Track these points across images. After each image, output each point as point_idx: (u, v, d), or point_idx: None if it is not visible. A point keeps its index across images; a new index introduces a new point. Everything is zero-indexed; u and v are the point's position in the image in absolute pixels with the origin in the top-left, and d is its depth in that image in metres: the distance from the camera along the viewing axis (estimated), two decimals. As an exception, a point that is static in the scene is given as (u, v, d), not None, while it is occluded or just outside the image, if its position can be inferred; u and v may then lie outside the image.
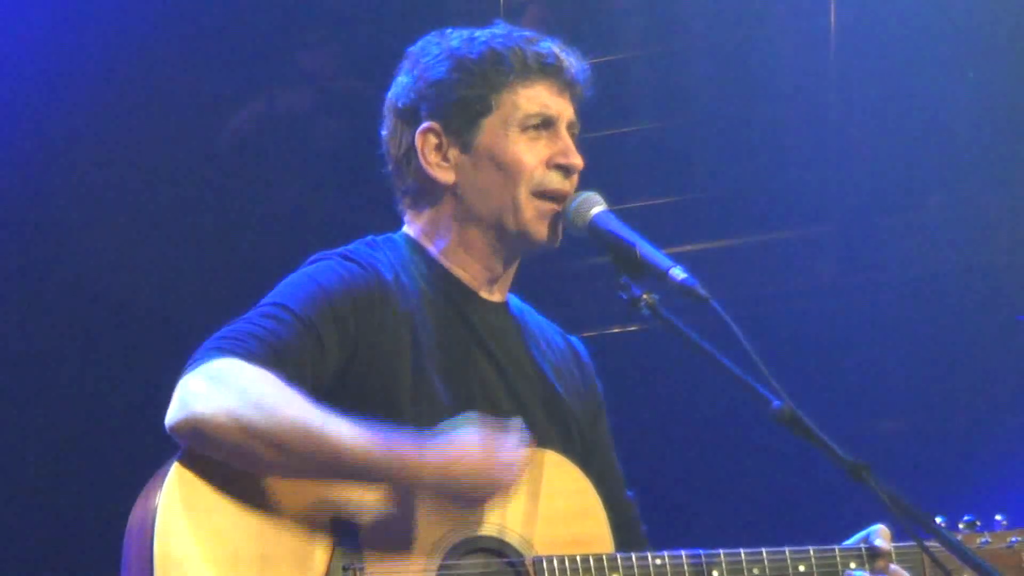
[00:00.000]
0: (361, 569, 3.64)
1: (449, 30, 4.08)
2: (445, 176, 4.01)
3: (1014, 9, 6.33)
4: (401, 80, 4.08)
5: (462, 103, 3.99)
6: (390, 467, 3.62)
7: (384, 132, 4.11)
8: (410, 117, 4.04)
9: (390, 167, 4.10)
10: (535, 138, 4.00)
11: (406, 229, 4.10)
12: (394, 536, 3.70)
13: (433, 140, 4.01)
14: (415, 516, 3.69)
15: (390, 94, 4.10)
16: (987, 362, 6.25)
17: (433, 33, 4.10)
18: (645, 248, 3.84)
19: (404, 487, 3.65)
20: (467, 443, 3.67)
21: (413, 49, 4.10)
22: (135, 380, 5.40)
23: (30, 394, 5.54)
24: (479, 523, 3.78)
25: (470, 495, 3.68)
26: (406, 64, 4.09)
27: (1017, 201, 6.36)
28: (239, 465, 3.62)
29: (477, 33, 4.04)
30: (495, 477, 3.67)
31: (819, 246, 6.31)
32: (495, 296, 4.09)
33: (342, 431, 3.61)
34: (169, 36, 5.66)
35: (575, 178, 4.01)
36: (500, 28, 4.06)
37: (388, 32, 5.67)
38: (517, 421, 3.76)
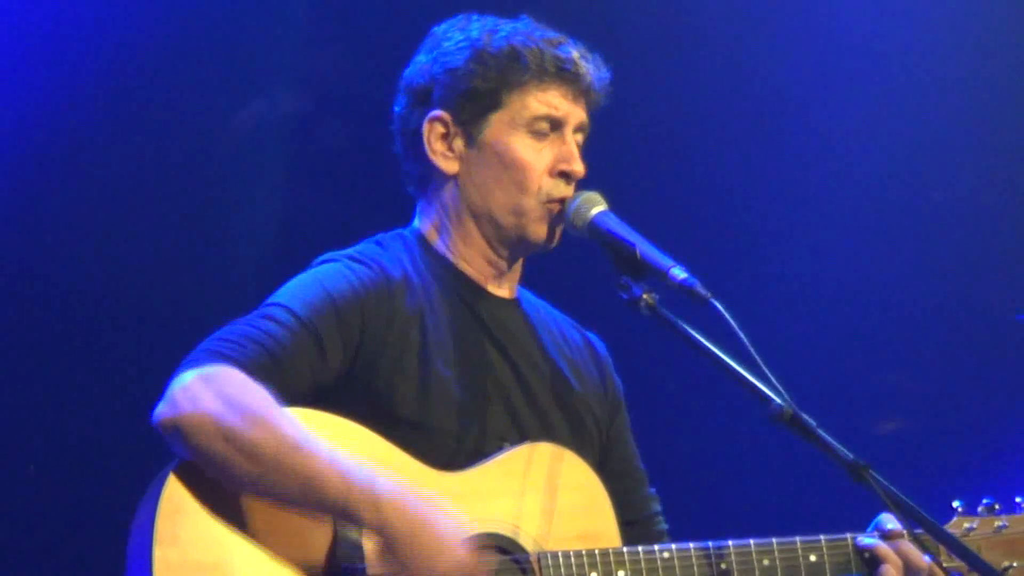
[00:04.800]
0: (362, 570, 3.64)
1: (475, 16, 4.06)
2: (449, 166, 4.01)
3: (1015, 7, 6.34)
4: (419, 59, 4.06)
5: (473, 95, 3.98)
6: (360, 493, 3.53)
7: (396, 108, 4.09)
8: (422, 98, 4.03)
9: (398, 145, 4.10)
10: (541, 139, 3.99)
11: (416, 223, 4.09)
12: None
13: (440, 129, 4.01)
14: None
15: (407, 72, 4.08)
16: (987, 362, 6.25)
17: (460, 17, 4.08)
18: (645, 248, 3.84)
19: (364, 523, 3.55)
20: (449, 524, 3.56)
21: (437, 30, 4.08)
22: (136, 381, 5.39)
23: (31, 395, 5.54)
24: (493, 519, 3.76)
25: (419, 568, 3.55)
26: (428, 43, 4.07)
27: (1017, 200, 6.36)
28: (212, 472, 3.58)
29: (501, 26, 4.03)
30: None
31: (819, 246, 6.31)
32: (503, 291, 4.08)
33: (322, 452, 3.55)
34: (168, 37, 5.66)
35: (575, 183, 4.02)
36: (524, 24, 4.05)
37: (390, 33, 5.67)
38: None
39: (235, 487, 3.60)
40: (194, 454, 3.58)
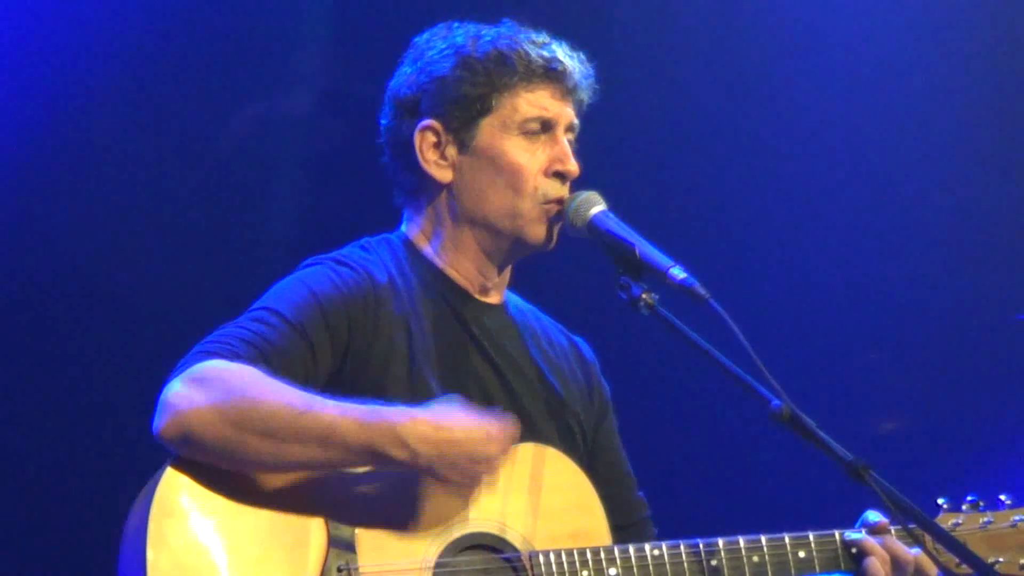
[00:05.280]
0: (356, 569, 3.64)
1: (456, 24, 4.07)
2: (442, 175, 4.01)
3: (1015, 7, 6.34)
4: (404, 70, 4.07)
5: (463, 102, 3.98)
6: (382, 435, 3.58)
7: (384, 121, 4.09)
8: (410, 109, 4.02)
9: (387, 157, 4.11)
10: (533, 141, 3.99)
11: (404, 228, 4.10)
12: (389, 534, 3.69)
13: (432, 138, 4.01)
14: (410, 512, 3.69)
15: (392, 83, 4.08)
16: (987, 362, 6.25)
17: (440, 26, 4.08)
18: (644, 248, 3.84)
19: (397, 462, 3.61)
20: (457, 413, 3.65)
21: (419, 40, 4.08)
22: (134, 382, 5.40)
23: (30, 397, 5.54)
24: (478, 519, 3.78)
25: (464, 468, 3.62)
26: (411, 54, 4.07)
27: (1017, 200, 6.36)
28: (229, 464, 3.60)
29: (484, 31, 4.03)
30: (488, 449, 3.62)
31: (819, 246, 6.31)
32: (491, 297, 4.08)
33: (329, 407, 3.60)
34: (168, 36, 5.67)
35: (570, 183, 4.02)
36: (507, 28, 4.05)
37: (388, 33, 5.67)
38: (502, 412, 3.75)
39: (256, 468, 3.61)
40: (206, 451, 3.59)
